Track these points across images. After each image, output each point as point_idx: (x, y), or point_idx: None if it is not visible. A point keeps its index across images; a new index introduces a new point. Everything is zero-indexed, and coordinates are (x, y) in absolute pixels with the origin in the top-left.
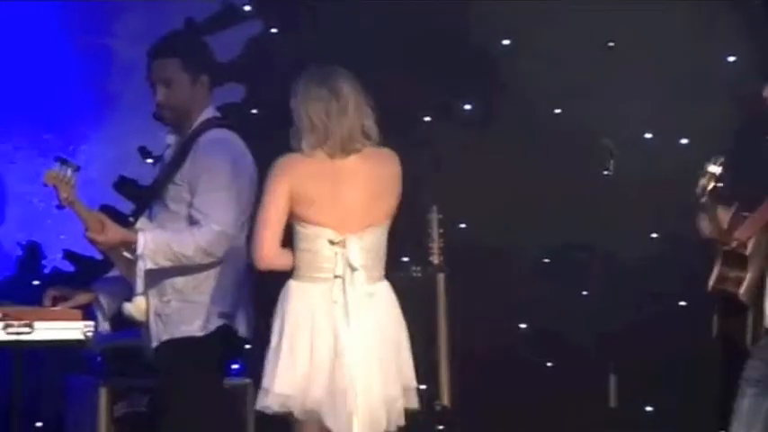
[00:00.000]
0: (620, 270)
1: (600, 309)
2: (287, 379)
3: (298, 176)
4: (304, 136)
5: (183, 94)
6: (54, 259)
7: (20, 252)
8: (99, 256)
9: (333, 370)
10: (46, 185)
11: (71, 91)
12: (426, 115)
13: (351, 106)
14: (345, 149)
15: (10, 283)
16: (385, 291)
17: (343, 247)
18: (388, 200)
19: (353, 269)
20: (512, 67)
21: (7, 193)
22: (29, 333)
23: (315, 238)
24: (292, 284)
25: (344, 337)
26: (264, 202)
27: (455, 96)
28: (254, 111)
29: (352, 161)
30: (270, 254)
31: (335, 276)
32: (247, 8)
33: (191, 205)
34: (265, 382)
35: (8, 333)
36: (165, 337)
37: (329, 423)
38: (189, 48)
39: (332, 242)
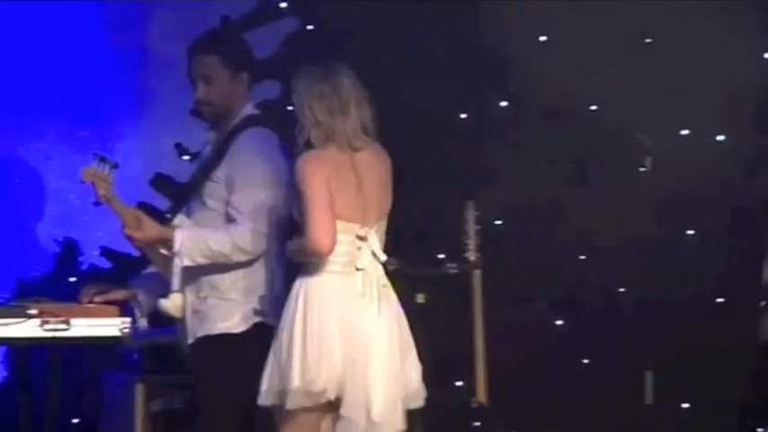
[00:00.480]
0: (657, 267)
1: (636, 306)
2: (314, 373)
3: (328, 171)
4: (311, 133)
5: (223, 90)
6: (91, 256)
7: (57, 249)
8: (135, 253)
9: (362, 361)
10: (83, 182)
11: (108, 88)
12: (463, 112)
13: (352, 104)
14: (351, 146)
15: (47, 280)
16: (390, 282)
17: (366, 240)
18: (391, 193)
19: (379, 261)
20: (548, 64)
21: (44, 190)
22: (66, 330)
23: (342, 233)
24: (314, 279)
25: (373, 328)
26: (310, 197)
27: (491, 93)
28: (290, 108)
29: (363, 154)
30: (333, 244)
31: (357, 269)
32: (283, 5)
33: (228, 203)
34: (289, 379)
35: (45, 330)
36: (201, 334)
37: (351, 414)
38: (229, 44)
39: (359, 237)
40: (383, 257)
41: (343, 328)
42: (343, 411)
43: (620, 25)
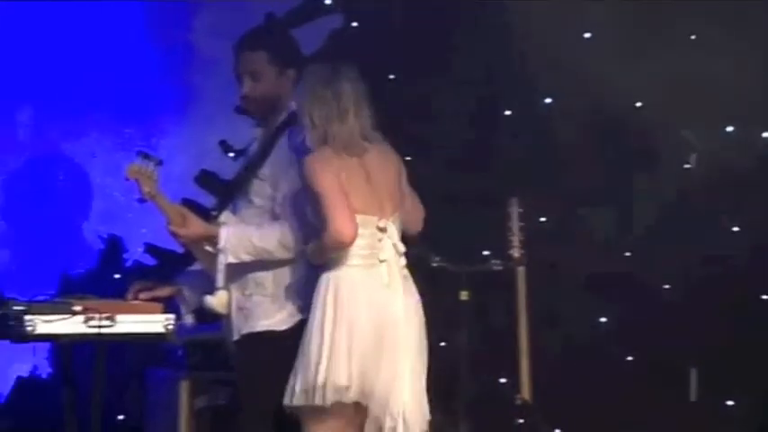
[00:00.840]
0: (702, 263)
1: (680, 302)
2: (345, 370)
3: (336, 168)
4: (308, 135)
5: (269, 86)
6: (135, 253)
7: (101, 245)
8: (180, 250)
9: (391, 352)
10: (128, 180)
11: (153, 85)
12: (507, 109)
13: (351, 112)
14: (347, 151)
15: (91, 277)
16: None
17: (386, 231)
18: (403, 191)
19: (399, 253)
20: (593, 61)
21: (89, 187)
22: (110, 326)
23: (361, 227)
24: (339, 274)
25: (401, 319)
26: (323, 192)
27: (536, 90)
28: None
29: (369, 154)
30: (355, 231)
31: (381, 261)
32: (328, 2)
33: (274, 200)
34: (317, 376)
35: (89, 326)
36: (245, 331)
37: (378, 409)
38: (276, 41)
39: (379, 228)
40: (403, 248)
41: (372, 320)
42: (372, 405)
43: (665, 22)
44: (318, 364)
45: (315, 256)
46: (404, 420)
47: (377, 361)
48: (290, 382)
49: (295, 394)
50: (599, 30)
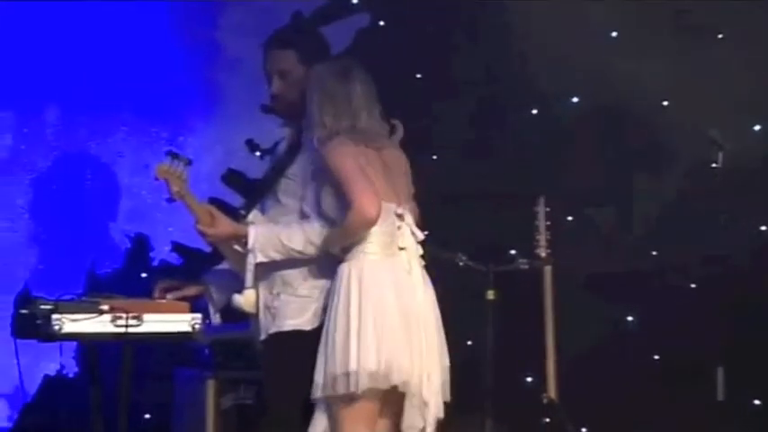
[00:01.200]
0: (728, 263)
1: (707, 301)
2: (375, 355)
3: (354, 153)
4: (316, 131)
5: (297, 86)
6: (162, 252)
7: (128, 245)
8: (207, 249)
9: (417, 340)
10: (157, 179)
11: (179, 85)
12: (533, 108)
13: (364, 113)
14: (365, 143)
15: (118, 276)
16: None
17: (404, 218)
18: (410, 187)
19: (418, 241)
20: (618, 59)
21: (116, 186)
22: (137, 326)
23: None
24: (361, 262)
25: (423, 305)
26: (346, 173)
27: (561, 89)
28: None
29: (385, 147)
30: (380, 207)
31: (400, 248)
32: (355, 1)
33: (302, 199)
34: (347, 363)
35: (116, 326)
36: (273, 330)
37: (409, 394)
38: (306, 40)
39: (398, 215)
40: (421, 236)
41: (398, 305)
42: (404, 389)
43: (690, 20)
44: (347, 351)
45: (337, 241)
46: (434, 404)
47: (406, 345)
48: (317, 374)
49: (323, 385)
50: (625, 28)
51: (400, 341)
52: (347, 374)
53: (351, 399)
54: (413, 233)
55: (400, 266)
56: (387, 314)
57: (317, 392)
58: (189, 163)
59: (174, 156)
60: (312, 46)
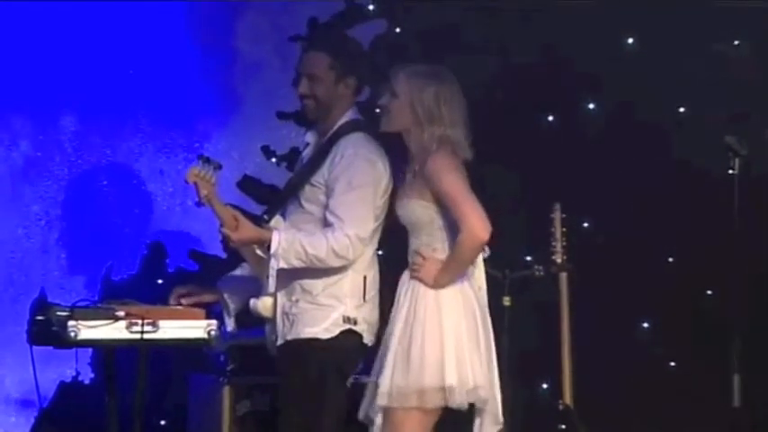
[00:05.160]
0: (744, 269)
1: (723, 307)
2: (479, 369)
3: (457, 167)
4: (421, 132)
5: (325, 90)
6: (178, 258)
7: (144, 251)
8: (223, 255)
9: (491, 354)
10: (187, 183)
11: (195, 90)
12: (550, 114)
13: (462, 120)
14: (460, 153)
15: (134, 282)
16: None
17: None
18: None
19: (484, 254)
20: (635, 65)
21: (132, 192)
22: (153, 332)
23: None
24: None
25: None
26: (455, 191)
27: (578, 94)
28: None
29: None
30: (489, 226)
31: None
32: (371, 7)
33: (326, 207)
34: (443, 378)
35: (132, 332)
36: (290, 337)
37: (488, 412)
38: (341, 47)
39: None
40: (487, 252)
41: (480, 322)
42: (486, 409)
43: (707, 26)
44: (442, 365)
45: (450, 272)
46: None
47: (487, 362)
48: (387, 382)
49: (395, 395)
50: (643, 35)
51: (483, 358)
52: (442, 389)
53: (422, 411)
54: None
55: (475, 283)
56: (474, 331)
57: (383, 401)
58: (219, 167)
59: (206, 160)
60: (347, 53)
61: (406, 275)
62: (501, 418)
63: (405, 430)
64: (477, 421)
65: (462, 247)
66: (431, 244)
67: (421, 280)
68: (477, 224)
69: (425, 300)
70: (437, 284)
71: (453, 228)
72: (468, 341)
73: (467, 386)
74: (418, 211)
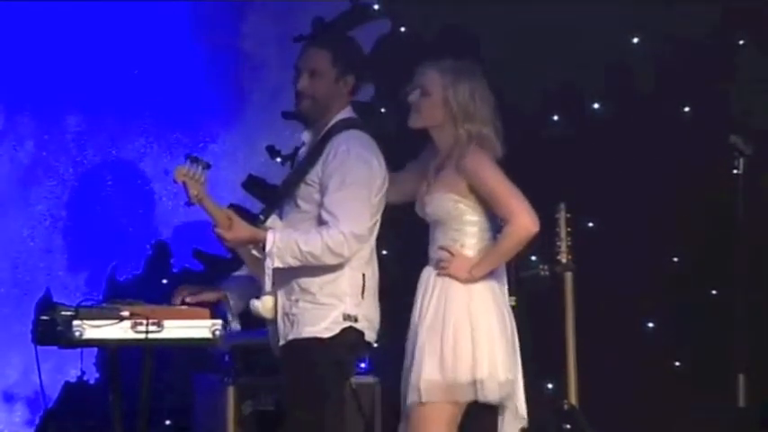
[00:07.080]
0: (754, 270)
1: (729, 307)
2: (509, 365)
3: (495, 163)
4: (464, 127)
5: (324, 87)
6: (182, 258)
7: (148, 251)
8: (227, 255)
9: (517, 350)
10: (175, 182)
11: (200, 90)
12: (555, 113)
13: (495, 117)
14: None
15: (138, 282)
16: None
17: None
18: None
19: None
20: (639, 64)
21: (136, 192)
22: (158, 332)
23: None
24: None
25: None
26: (497, 185)
27: (583, 94)
28: (383, 110)
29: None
30: (536, 218)
31: None
32: (376, 7)
33: (321, 205)
34: (474, 372)
35: (137, 332)
36: (291, 337)
37: (513, 408)
38: (342, 45)
39: None
40: None
41: (508, 317)
42: (511, 404)
43: (713, 25)
44: (475, 360)
45: (489, 263)
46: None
47: (515, 358)
48: (417, 377)
49: (431, 390)
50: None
51: (512, 354)
52: (474, 383)
53: (453, 405)
54: None
55: (499, 279)
56: (504, 325)
57: (415, 397)
58: (208, 166)
59: (194, 159)
60: (349, 52)
61: (427, 271)
62: (525, 415)
63: (435, 424)
64: (500, 418)
65: (509, 240)
66: (458, 239)
67: (452, 276)
68: (527, 218)
69: (456, 295)
70: (471, 278)
71: (484, 223)
72: (499, 336)
73: (498, 380)
74: (449, 205)
